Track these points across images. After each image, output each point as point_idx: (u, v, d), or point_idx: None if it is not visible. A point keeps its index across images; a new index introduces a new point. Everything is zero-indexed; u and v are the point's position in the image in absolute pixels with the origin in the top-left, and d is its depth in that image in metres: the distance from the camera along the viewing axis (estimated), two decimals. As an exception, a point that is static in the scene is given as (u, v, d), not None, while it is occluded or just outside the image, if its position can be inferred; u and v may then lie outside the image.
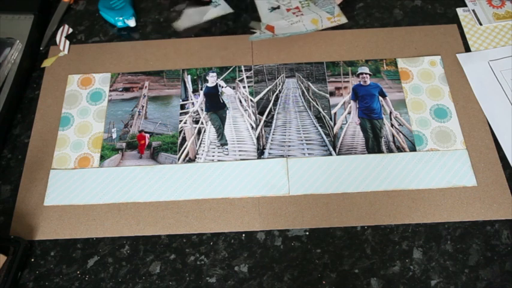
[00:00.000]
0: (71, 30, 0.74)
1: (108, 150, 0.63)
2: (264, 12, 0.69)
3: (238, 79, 0.68)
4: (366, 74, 0.67)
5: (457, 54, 0.68)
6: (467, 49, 0.69)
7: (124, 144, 0.63)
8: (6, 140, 0.65)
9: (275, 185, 0.59)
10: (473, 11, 0.73)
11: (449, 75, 0.66)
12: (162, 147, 0.63)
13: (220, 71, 0.69)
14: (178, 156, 0.62)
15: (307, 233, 0.56)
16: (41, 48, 0.72)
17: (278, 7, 0.69)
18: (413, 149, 0.61)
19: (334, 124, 0.64)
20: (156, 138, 0.64)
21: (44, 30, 0.74)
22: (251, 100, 0.66)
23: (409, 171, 0.59)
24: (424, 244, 0.55)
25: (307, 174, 0.60)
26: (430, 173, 0.59)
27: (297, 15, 0.68)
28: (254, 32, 0.68)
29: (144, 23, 0.74)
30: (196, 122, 0.65)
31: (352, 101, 0.65)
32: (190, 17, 0.73)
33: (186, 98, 0.67)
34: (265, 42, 0.70)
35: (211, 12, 0.73)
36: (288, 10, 0.69)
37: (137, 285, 0.54)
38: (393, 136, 0.62)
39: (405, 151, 0.61)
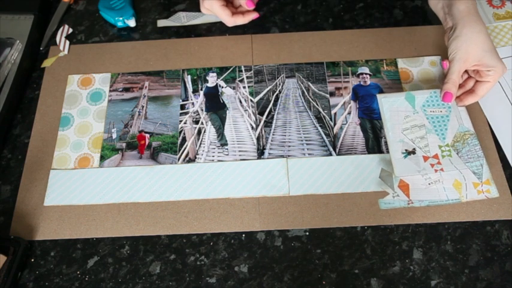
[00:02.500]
0: (71, 30, 0.74)
1: (108, 151, 0.63)
2: (397, 157, 0.58)
3: (238, 79, 0.68)
4: (366, 74, 0.67)
5: (457, 55, 0.68)
6: (467, 49, 0.69)
7: (124, 145, 0.63)
8: (6, 140, 0.65)
9: (275, 185, 0.59)
10: (474, 11, 0.73)
11: (450, 75, 0.66)
12: (162, 148, 0.63)
13: (220, 71, 0.69)
14: (178, 156, 0.62)
15: (307, 233, 0.56)
16: (41, 48, 0.72)
17: (414, 151, 0.58)
18: (413, 149, 0.61)
19: (334, 124, 0.64)
20: (156, 138, 0.64)
21: (44, 30, 0.74)
22: (251, 100, 0.66)
23: (409, 171, 0.59)
24: (424, 244, 0.55)
25: (307, 175, 0.60)
26: (430, 173, 0.59)
27: (436, 171, 0.56)
28: (386, 192, 0.57)
29: (144, 23, 0.74)
30: (196, 122, 0.65)
31: (352, 101, 0.65)
32: (180, 19, 0.73)
33: (186, 98, 0.67)
34: (265, 42, 0.70)
35: (207, 17, 0.73)
36: (425, 159, 0.57)
37: (137, 285, 0.54)
38: (393, 136, 0.62)
39: (405, 151, 0.61)
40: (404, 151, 0.58)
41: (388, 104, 0.62)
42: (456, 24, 0.59)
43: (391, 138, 0.59)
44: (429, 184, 0.56)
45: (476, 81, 0.60)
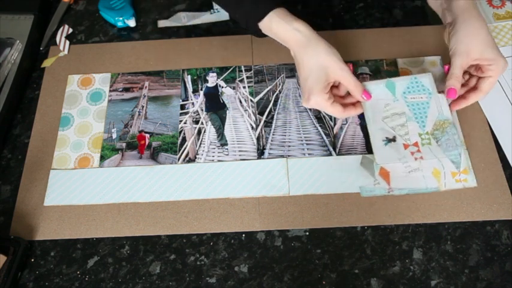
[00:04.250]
0: (71, 30, 0.74)
1: (108, 151, 0.63)
2: (378, 144, 0.57)
3: (238, 79, 0.68)
4: (366, 74, 0.67)
5: (457, 55, 0.68)
6: (468, 49, 0.69)
7: (124, 145, 0.63)
8: (6, 140, 0.65)
9: (275, 185, 0.59)
10: (474, 11, 0.73)
11: (450, 75, 0.66)
12: (162, 148, 0.63)
13: (220, 71, 0.69)
14: (178, 156, 0.62)
15: (307, 233, 0.56)
16: (41, 48, 0.72)
17: (394, 139, 0.57)
18: (413, 149, 0.61)
19: (334, 124, 0.64)
20: (156, 138, 0.64)
21: (44, 30, 0.74)
22: (251, 100, 0.66)
23: (409, 171, 0.59)
24: (424, 244, 0.55)
25: (307, 175, 0.60)
26: (430, 173, 0.59)
27: (416, 158, 0.56)
28: (366, 178, 0.58)
29: (144, 23, 0.74)
30: (196, 122, 0.65)
31: (352, 101, 0.65)
32: (180, 19, 0.73)
33: (186, 98, 0.67)
34: (265, 42, 0.70)
35: (207, 17, 0.73)
36: (405, 146, 0.57)
37: (137, 285, 0.54)
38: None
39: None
40: (385, 138, 0.58)
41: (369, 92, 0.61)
42: (456, 19, 0.58)
43: (372, 127, 0.59)
44: (409, 172, 0.56)
45: (479, 78, 0.59)
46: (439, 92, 0.59)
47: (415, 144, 0.57)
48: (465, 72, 0.60)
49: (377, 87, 0.60)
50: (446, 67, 0.60)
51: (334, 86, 0.59)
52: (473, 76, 0.60)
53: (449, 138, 0.57)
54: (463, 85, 0.59)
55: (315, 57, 0.55)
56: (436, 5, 0.64)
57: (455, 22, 0.58)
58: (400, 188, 0.56)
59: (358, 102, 0.59)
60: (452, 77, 0.57)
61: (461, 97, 0.59)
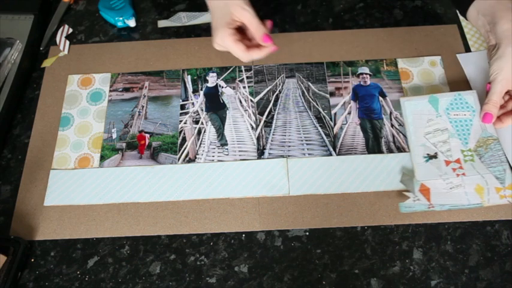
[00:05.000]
0: (71, 30, 0.74)
1: (108, 151, 0.63)
2: (419, 161, 0.57)
3: (238, 79, 0.68)
4: (366, 74, 0.67)
5: (457, 54, 0.68)
6: (467, 49, 0.69)
7: (124, 145, 0.63)
8: (6, 140, 0.65)
9: (275, 185, 0.59)
10: (474, 11, 0.73)
11: (449, 75, 0.66)
12: (162, 148, 0.63)
13: (220, 71, 0.69)
14: (178, 156, 0.62)
15: (307, 233, 0.56)
16: (41, 48, 0.72)
17: (436, 155, 0.57)
18: (413, 149, 0.61)
19: (334, 124, 0.64)
20: (156, 138, 0.64)
21: (44, 30, 0.74)
22: (251, 100, 0.66)
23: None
24: (424, 244, 0.55)
25: (307, 175, 0.60)
26: (430, 173, 0.59)
27: (458, 175, 0.56)
28: (406, 195, 0.56)
29: (144, 23, 0.74)
30: (196, 122, 0.65)
31: (352, 101, 0.65)
32: (180, 19, 0.73)
33: (186, 98, 0.67)
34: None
35: (207, 18, 0.73)
36: (447, 163, 0.56)
37: (137, 285, 0.54)
38: (393, 136, 0.62)
39: (405, 151, 0.61)
40: (426, 155, 0.58)
41: (411, 107, 0.61)
42: (500, 43, 0.57)
43: (413, 142, 0.59)
44: (450, 188, 0.56)
45: None
46: None
47: (457, 161, 0.57)
48: (506, 93, 0.59)
49: (420, 102, 0.61)
50: (488, 85, 0.59)
51: (245, 35, 0.61)
52: None
53: (493, 155, 0.57)
54: (501, 107, 0.60)
55: (219, 1, 0.59)
56: (477, 24, 0.63)
57: (499, 46, 0.57)
58: (442, 204, 0.55)
59: (263, 46, 0.60)
60: (489, 102, 0.58)
61: (497, 119, 0.59)
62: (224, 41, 0.59)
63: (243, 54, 0.59)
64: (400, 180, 0.58)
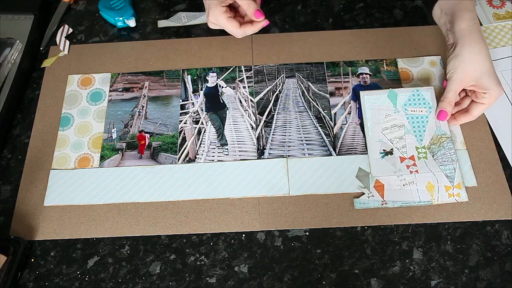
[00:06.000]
0: (71, 30, 0.74)
1: (108, 151, 0.63)
2: (375, 157, 0.59)
3: (238, 79, 0.68)
4: (366, 74, 0.67)
5: (457, 55, 0.68)
6: (468, 49, 0.69)
7: (124, 145, 0.63)
8: (6, 140, 0.65)
9: (275, 185, 0.59)
10: (474, 11, 0.73)
11: (449, 75, 0.66)
12: (162, 148, 0.63)
13: (220, 71, 0.69)
14: (178, 156, 0.62)
15: (307, 233, 0.56)
16: (41, 48, 0.72)
17: (391, 152, 0.58)
18: (413, 149, 0.61)
19: (334, 124, 0.64)
20: (156, 138, 0.64)
21: (44, 30, 0.74)
22: (251, 100, 0.66)
23: (409, 171, 0.59)
24: (424, 244, 0.55)
25: (307, 175, 0.60)
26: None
27: (411, 172, 0.57)
28: (361, 193, 0.57)
29: (144, 23, 0.74)
30: (196, 122, 0.65)
31: (352, 101, 0.65)
32: (180, 19, 0.73)
33: (186, 98, 0.67)
34: (265, 42, 0.70)
35: (206, 18, 0.73)
36: (402, 160, 0.58)
37: (137, 285, 0.54)
38: (393, 136, 0.62)
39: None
40: (382, 151, 0.59)
41: (370, 102, 0.63)
42: (456, 42, 0.58)
43: (371, 138, 0.60)
44: (403, 185, 0.57)
45: (472, 101, 0.60)
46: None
47: (412, 157, 0.59)
48: (462, 90, 0.61)
49: (380, 97, 0.62)
50: (445, 82, 0.60)
51: (237, 12, 0.66)
52: (467, 96, 0.61)
53: (445, 153, 0.58)
54: (456, 104, 0.61)
55: None
56: (440, 23, 0.64)
57: (455, 45, 0.59)
58: (394, 201, 0.57)
59: (255, 22, 0.65)
60: (445, 100, 0.59)
61: (452, 117, 0.61)
62: (218, 19, 0.63)
63: (237, 31, 0.64)
64: (356, 175, 0.59)
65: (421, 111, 0.61)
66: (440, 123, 0.60)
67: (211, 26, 0.66)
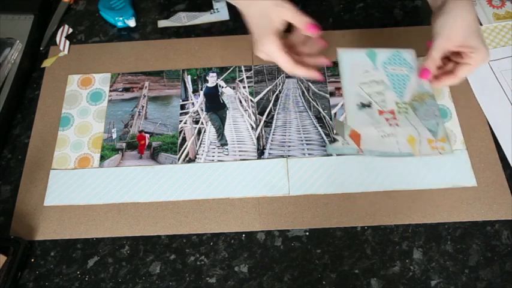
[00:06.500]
0: (71, 30, 0.74)
1: (108, 151, 0.63)
2: (351, 108, 0.55)
3: (238, 79, 0.68)
4: (366, 74, 0.67)
5: (457, 54, 0.68)
6: (468, 49, 0.69)
7: (124, 145, 0.63)
8: (6, 140, 0.65)
9: (275, 185, 0.59)
10: (473, 11, 0.73)
11: (449, 75, 0.66)
12: (162, 148, 0.63)
13: (220, 71, 0.69)
14: (178, 156, 0.62)
15: (307, 233, 0.56)
16: (41, 48, 0.72)
17: (369, 105, 0.56)
18: (413, 149, 0.61)
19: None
20: (156, 138, 0.64)
21: (44, 30, 0.74)
22: (251, 100, 0.66)
23: (409, 171, 0.59)
24: (424, 244, 0.55)
25: (307, 175, 0.60)
26: (430, 173, 0.59)
27: (390, 125, 0.55)
28: (335, 139, 0.55)
29: (144, 23, 0.74)
30: (196, 122, 0.65)
31: (352, 101, 0.65)
32: (180, 19, 0.73)
33: (186, 98, 0.67)
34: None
35: (207, 17, 0.73)
36: (380, 113, 0.55)
37: (137, 285, 0.54)
38: (393, 136, 0.62)
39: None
40: (360, 103, 0.57)
41: (348, 57, 0.59)
42: (445, 1, 0.56)
43: (348, 90, 0.57)
44: (382, 136, 0.55)
45: (456, 63, 0.57)
46: None
47: (391, 111, 0.56)
48: (445, 57, 0.58)
49: (358, 54, 0.59)
50: (429, 42, 0.58)
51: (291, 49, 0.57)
52: (451, 61, 0.58)
53: (428, 109, 0.56)
54: (439, 68, 0.58)
55: (255, 6, 0.55)
56: None
57: (443, 4, 0.56)
58: (371, 150, 0.54)
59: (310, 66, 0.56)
60: (429, 58, 0.56)
61: (435, 78, 0.58)
62: (270, 49, 0.55)
63: (290, 67, 0.55)
64: (333, 126, 0.58)
65: (402, 70, 0.58)
66: (423, 81, 0.58)
67: (261, 55, 0.57)
